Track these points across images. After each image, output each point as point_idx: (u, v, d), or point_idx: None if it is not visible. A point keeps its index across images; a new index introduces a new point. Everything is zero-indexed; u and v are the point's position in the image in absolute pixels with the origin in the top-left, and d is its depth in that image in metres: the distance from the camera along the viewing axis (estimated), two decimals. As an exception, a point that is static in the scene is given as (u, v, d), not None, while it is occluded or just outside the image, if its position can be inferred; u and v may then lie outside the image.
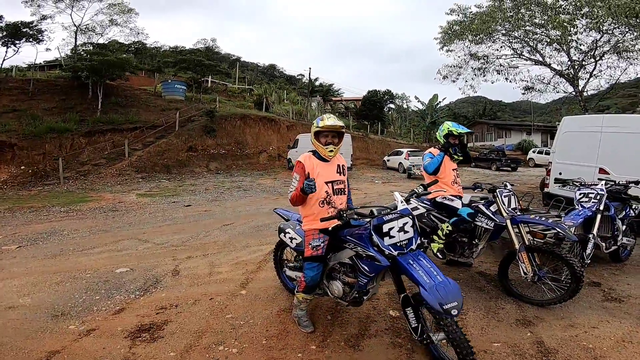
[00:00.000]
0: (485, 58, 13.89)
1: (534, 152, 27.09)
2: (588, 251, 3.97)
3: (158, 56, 36.12)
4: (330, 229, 2.55)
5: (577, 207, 4.30)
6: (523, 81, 14.27)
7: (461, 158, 4.20)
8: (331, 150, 2.72)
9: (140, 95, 21.77)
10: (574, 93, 12.75)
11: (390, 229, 2.36)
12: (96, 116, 17.16)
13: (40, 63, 29.91)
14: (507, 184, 3.82)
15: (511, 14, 11.88)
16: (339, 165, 2.86)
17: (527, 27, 12.12)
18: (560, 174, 6.59)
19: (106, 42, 26.33)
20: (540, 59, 12.92)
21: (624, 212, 4.47)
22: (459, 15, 13.27)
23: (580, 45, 12.09)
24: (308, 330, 2.88)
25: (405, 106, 39.60)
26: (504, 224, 3.51)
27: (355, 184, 13.83)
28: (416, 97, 38.18)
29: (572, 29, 11.11)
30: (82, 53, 22.00)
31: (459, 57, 14.30)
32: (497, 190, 3.60)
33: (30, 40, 20.74)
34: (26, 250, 5.44)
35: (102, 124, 16.75)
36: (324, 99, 39.24)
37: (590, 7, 10.70)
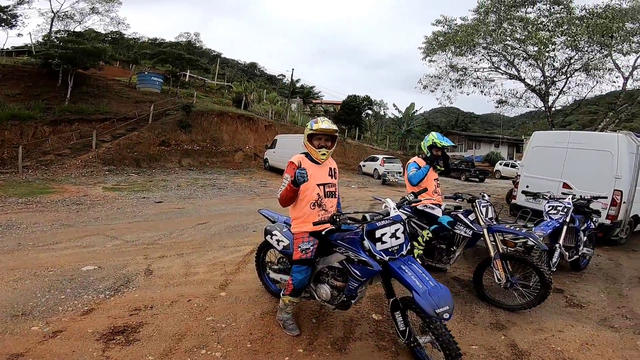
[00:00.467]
0: (464, 70, 14.37)
1: (500, 164, 28.15)
2: (554, 260, 4.25)
3: (136, 47, 34.91)
4: (323, 233, 2.53)
5: (546, 218, 4.57)
6: (497, 94, 14.89)
7: (442, 169, 4.35)
8: (324, 154, 2.72)
9: (114, 85, 20.82)
10: (543, 108, 13.43)
11: (383, 234, 2.40)
12: (64, 105, 16.22)
13: (8, 49, 28.05)
14: (485, 195, 3.98)
15: (494, 27, 12.35)
16: (330, 169, 2.86)
17: (508, 42, 12.62)
18: (527, 187, 6.91)
19: (82, 31, 25.18)
20: (516, 73, 13.51)
21: (585, 225, 4.82)
22: (444, 27, 13.66)
23: (555, 62, 12.74)
24: (294, 333, 2.85)
25: (382, 113, 40.34)
26: (481, 233, 3.65)
27: (332, 188, 13.89)
28: (394, 105, 38.87)
29: (550, 45, 11.69)
30: (56, 40, 20.83)
31: (440, 67, 14.74)
32: (476, 201, 3.75)
33: (3, 25, 19.40)
34: (-21, 243, 5.03)
35: (70, 113, 15.85)
36: (304, 100, 39.23)
37: (570, 25, 11.33)
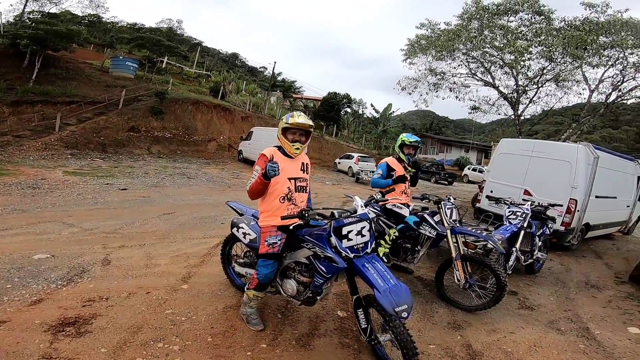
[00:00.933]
0: (442, 74, 14.60)
1: (469, 169, 28.94)
2: (510, 262, 4.43)
3: (113, 31, 33.38)
4: (291, 227, 2.51)
5: (505, 223, 4.75)
6: (471, 100, 15.25)
7: (414, 171, 4.41)
8: (297, 148, 2.71)
9: (85, 69, 19.78)
10: (513, 116, 13.95)
11: (349, 231, 2.41)
12: (28, 86, 15.25)
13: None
14: (451, 197, 4.08)
15: (475, 34, 12.61)
16: (303, 163, 2.85)
17: (487, 49, 12.92)
18: (491, 191, 7.16)
19: (58, 12, 23.68)
20: (491, 80, 13.88)
21: (541, 230, 5.06)
22: (427, 30, 13.76)
23: (529, 71, 13.16)
24: (258, 328, 2.82)
25: (361, 112, 40.59)
26: (445, 234, 3.75)
27: (306, 183, 13.87)
28: (372, 105, 39.07)
29: (526, 55, 12.09)
30: (28, 21, 19.47)
31: (419, 70, 14.89)
32: (441, 202, 3.85)
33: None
34: None
35: (34, 95, 14.93)
36: (284, 94, 38.86)
37: (547, 36, 11.74)
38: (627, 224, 8.97)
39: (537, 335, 3.33)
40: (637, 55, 11.12)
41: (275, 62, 37.46)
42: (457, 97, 15.02)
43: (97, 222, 5.48)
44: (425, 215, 3.89)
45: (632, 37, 10.65)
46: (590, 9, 11.21)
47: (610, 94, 12.34)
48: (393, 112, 34.76)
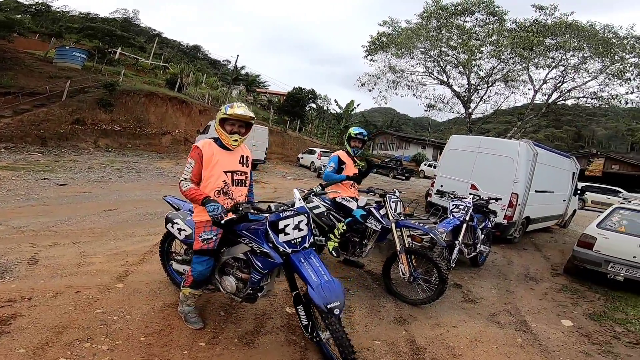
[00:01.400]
0: (401, 72, 14.89)
1: (425, 164, 30.03)
2: (454, 255, 4.56)
3: (63, 20, 30.92)
4: (222, 222, 2.41)
5: (449, 216, 4.89)
6: (427, 99, 15.70)
7: (363, 164, 4.44)
8: (236, 140, 2.60)
9: (25, 59, 18.19)
10: (464, 115, 14.59)
11: (286, 226, 2.36)
12: (-47, 76, 13.71)
13: None
14: (396, 190, 4.13)
15: (433, 33, 12.94)
16: (242, 156, 2.75)
17: (443, 48, 13.31)
18: (441, 186, 7.41)
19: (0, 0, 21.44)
20: (446, 79, 14.33)
21: (483, 224, 5.26)
22: (389, 28, 13.97)
23: (480, 71, 13.72)
24: (197, 326, 2.71)
25: (326, 107, 40.75)
26: (390, 227, 3.79)
27: (267, 178, 13.70)
28: (335, 101, 39.48)
29: (478, 54, 12.58)
30: None
31: (379, 67, 15.06)
32: (386, 196, 3.88)
33: None
34: None
35: (-40, 85, 13.45)
36: (247, 88, 38.05)
37: (498, 36, 12.26)
38: (564, 217, 9.61)
39: (478, 330, 3.43)
40: (577, 57, 11.97)
41: (237, 55, 36.59)
42: (414, 94, 15.43)
43: (27, 219, 5.03)
44: (372, 209, 3.91)
45: (575, 40, 11.38)
46: (540, 11, 11.87)
47: (552, 94, 13.22)
48: (355, 108, 35.21)
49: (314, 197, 4.30)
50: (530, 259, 6.60)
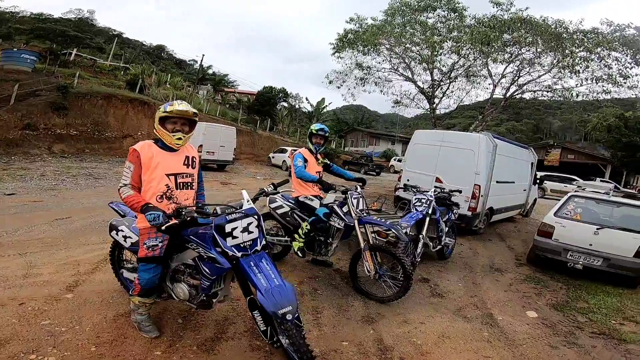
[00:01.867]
0: (368, 69, 15.03)
1: (394, 159, 30.79)
2: (419, 250, 4.58)
3: (11, 22, 28.92)
4: (163, 228, 2.27)
5: (412, 210, 4.90)
6: (394, 95, 15.96)
7: (326, 161, 4.38)
8: (179, 139, 2.44)
9: None
10: (429, 110, 14.93)
11: (234, 229, 2.25)
12: None
13: None
14: (358, 186, 4.08)
15: (398, 30, 13.10)
16: (187, 157, 2.59)
17: (407, 45, 13.50)
18: (408, 180, 7.50)
19: None
20: (410, 75, 14.58)
21: (447, 216, 5.31)
22: (356, 25, 14.00)
23: (443, 67, 14.05)
24: (152, 335, 2.59)
25: (297, 106, 40.52)
26: (353, 224, 3.75)
27: (236, 179, 13.43)
28: (307, 99, 39.40)
29: (439, 49, 12.86)
30: None
31: (347, 64, 15.11)
32: (348, 192, 3.82)
33: None
34: None
35: None
36: (214, 88, 37.16)
37: (458, 32, 12.58)
38: (525, 206, 10.00)
39: (445, 325, 3.43)
40: (531, 52, 12.52)
41: (203, 55, 35.85)
42: (381, 91, 15.64)
43: (-33, 232, 4.61)
44: (335, 207, 3.85)
45: (529, 35, 11.86)
46: (497, 7, 12.30)
47: (509, 88, 13.78)
48: (326, 106, 35.29)
49: (277, 197, 4.21)
50: (495, 249, 6.78)
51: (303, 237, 3.94)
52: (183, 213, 2.18)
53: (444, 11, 13.23)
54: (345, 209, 3.83)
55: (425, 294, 4.22)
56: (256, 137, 24.96)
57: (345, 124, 44.05)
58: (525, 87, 13.53)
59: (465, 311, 3.88)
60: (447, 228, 5.26)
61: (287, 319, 2.06)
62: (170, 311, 2.99)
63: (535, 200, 11.15)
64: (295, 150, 4.73)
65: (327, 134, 4.25)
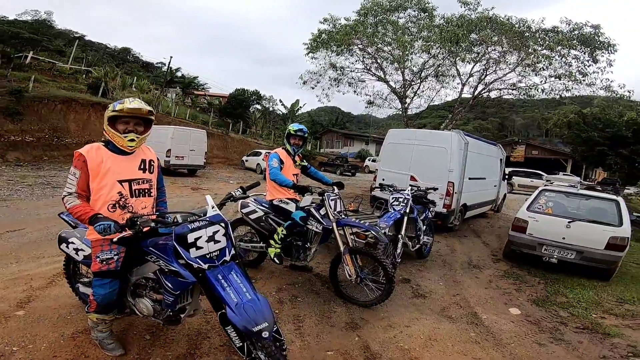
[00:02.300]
0: (342, 69, 14.99)
1: (369, 160, 30.94)
2: (398, 250, 4.48)
3: None
4: (114, 240, 2.04)
5: (390, 210, 4.80)
6: (367, 95, 16.01)
7: (304, 163, 4.19)
8: (132, 140, 2.19)
9: None
10: (401, 110, 15.08)
11: (197, 238, 2.04)
12: None
13: None
14: (335, 187, 3.93)
15: (370, 30, 13.12)
16: (144, 161, 2.34)
17: (379, 45, 13.56)
18: (383, 179, 7.48)
19: None
20: (383, 75, 14.66)
21: (424, 214, 5.26)
22: (329, 25, 13.91)
23: (414, 66, 14.23)
24: (115, 353, 2.36)
25: (271, 108, 40.08)
26: (331, 227, 3.59)
27: (207, 184, 12.96)
28: (281, 101, 39.00)
29: (410, 49, 12.99)
30: None
31: (321, 65, 15.00)
32: (325, 194, 3.66)
33: None
34: None
35: None
36: (184, 91, 36.09)
37: (428, 31, 12.75)
38: (497, 202, 10.24)
39: (431, 327, 3.35)
40: (497, 51, 12.91)
41: (171, 57, 34.49)
42: (355, 91, 15.64)
43: None
44: (312, 209, 3.68)
45: (495, 34, 12.21)
46: (465, 7, 12.60)
47: (477, 87, 14.17)
48: (300, 107, 35.11)
49: (249, 201, 3.99)
50: (471, 245, 6.84)
51: (279, 242, 3.74)
52: (138, 223, 1.94)
53: (414, 11, 13.44)
54: (322, 211, 3.66)
55: (408, 295, 4.13)
56: (228, 140, 24.49)
57: (320, 125, 44.11)
58: (491, 86, 13.94)
59: (449, 311, 3.82)
60: (424, 226, 5.21)
61: (263, 336, 1.87)
62: (136, 326, 2.76)
63: (505, 195, 11.45)
64: (269, 152, 4.48)
65: (306, 135, 4.03)
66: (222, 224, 2.14)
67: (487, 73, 13.58)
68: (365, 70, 14.97)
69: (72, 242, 2.50)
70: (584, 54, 11.83)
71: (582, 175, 27.16)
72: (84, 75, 26.41)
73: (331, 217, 3.59)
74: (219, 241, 2.10)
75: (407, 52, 12.99)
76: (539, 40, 11.94)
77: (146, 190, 2.33)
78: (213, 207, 2.18)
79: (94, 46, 49.91)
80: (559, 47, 11.59)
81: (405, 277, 4.62)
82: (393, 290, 3.53)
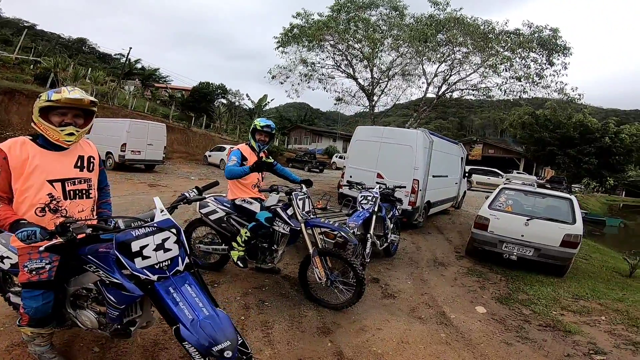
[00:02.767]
0: (312, 65, 14.78)
1: (336, 156, 31.14)
2: (367, 250, 4.40)
3: None
4: (41, 249, 1.77)
5: (359, 208, 4.72)
6: (336, 92, 15.90)
7: (270, 160, 3.96)
8: (71, 134, 1.90)
9: None
10: (368, 108, 15.17)
11: (143, 247, 1.80)
12: None
13: None
14: (303, 186, 3.77)
15: (342, 26, 13.04)
16: (81, 157, 2.06)
17: (350, 42, 13.53)
18: (351, 177, 7.45)
19: None
20: (352, 73, 14.67)
21: (391, 212, 5.24)
22: (302, 20, 13.67)
23: (382, 64, 14.30)
24: None
25: (238, 103, 39.04)
26: (299, 228, 3.45)
27: (166, 181, 12.31)
28: (247, 95, 38.11)
29: (380, 46, 13.04)
30: None
31: (291, 59, 14.71)
32: (292, 194, 3.50)
33: None
34: None
35: None
36: (143, 83, 34.20)
37: (398, 30, 12.87)
38: (457, 199, 10.56)
39: (402, 329, 3.31)
40: (462, 52, 13.29)
41: (130, 48, 32.50)
42: (324, 88, 15.54)
43: None
44: (278, 210, 3.51)
45: (460, 35, 12.52)
46: (435, 7, 12.82)
47: (441, 87, 14.55)
48: (268, 103, 34.51)
49: (208, 200, 3.73)
50: (435, 242, 6.96)
51: (243, 245, 3.53)
52: (70, 229, 1.68)
53: (386, 9, 13.57)
54: (290, 211, 3.50)
55: (378, 295, 4.09)
56: (190, 134, 23.62)
57: (289, 121, 43.74)
58: (454, 86, 14.37)
59: (419, 311, 3.81)
60: (392, 224, 5.20)
61: (225, 356, 1.69)
62: (82, 337, 2.51)
63: (465, 192, 11.86)
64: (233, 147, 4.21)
65: (273, 131, 3.78)
66: (173, 230, 1.91)
67: (452, 73, 13.97)
68: (335, 67, 14.92)
69: None
70: (542, 56, 12.43)
71: (533, 173, 28.95)
72: (32, 66, 24.35)
73: (299, 218, 3.44)
74: (170, 249, 1.88)
75: (376, 50, 13.06)
76: (502, 42, 12.41)
77: (84, 191, 2.05)
78: (162, 211, 1.93)
79: (46, 36, 46.68)
80: (520, 50, 12.11)
81: (374, 277, 4.59)
82: (364, 292, 3.45)
